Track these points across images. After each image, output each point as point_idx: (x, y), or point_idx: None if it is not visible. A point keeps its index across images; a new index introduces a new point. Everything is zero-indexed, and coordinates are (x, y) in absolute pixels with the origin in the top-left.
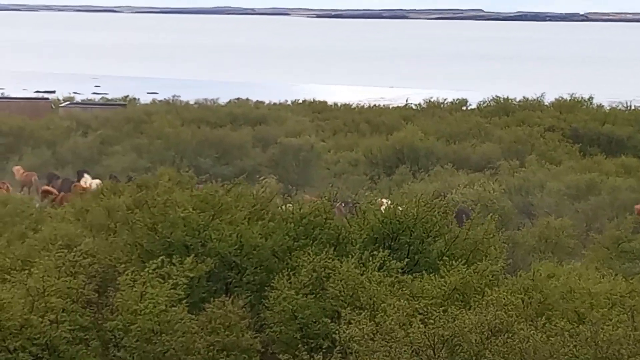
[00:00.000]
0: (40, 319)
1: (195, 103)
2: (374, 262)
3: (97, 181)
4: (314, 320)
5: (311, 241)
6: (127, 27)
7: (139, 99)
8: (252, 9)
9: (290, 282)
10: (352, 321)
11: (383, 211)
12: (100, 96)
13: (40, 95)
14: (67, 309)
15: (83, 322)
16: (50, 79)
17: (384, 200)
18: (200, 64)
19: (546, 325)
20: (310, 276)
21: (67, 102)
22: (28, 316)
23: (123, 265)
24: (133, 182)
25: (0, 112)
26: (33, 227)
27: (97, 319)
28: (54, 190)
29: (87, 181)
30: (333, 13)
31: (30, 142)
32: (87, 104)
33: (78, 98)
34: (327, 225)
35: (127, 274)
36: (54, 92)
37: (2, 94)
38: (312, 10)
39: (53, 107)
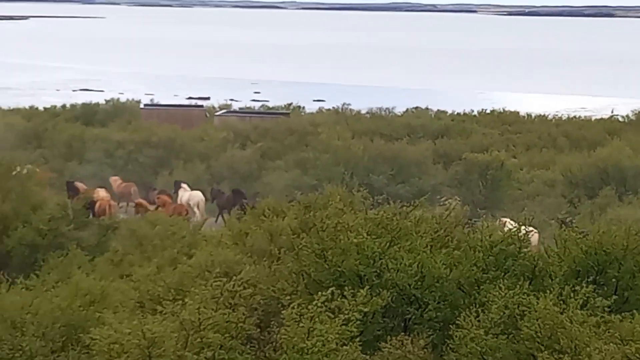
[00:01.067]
0: (196, 356)
1: (368, 112)
2: (576, 299)
3: (197, 194)
4: None
5: (503, 273)
6: (290, 26)
7: (303, 108)
8: (433, 5)
9: (478, 320)
10: None
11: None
12: (260, 104)
13: (193, 102)
14: (226, 346)
15: None
16: (205, 84)
17: (507, 220)
18: (373, 67)
19: None
20: (501, 313)
21: (223, 111)
22: (182, 352)
23: (288, 297)
24: (298, 202)
25: (149, 121)
26: (186, 251)
27: (259, 357)
28: (147, 204)
29: (185, 194)
30: (527, 10)
31: (182, 155)
32: (245, 112)
33: (235, 106)
34: (522, 255)
35: (293, 307)
36: (208, 98)
37: (151, 100)
38: (502, 7)
39: (207, 115)
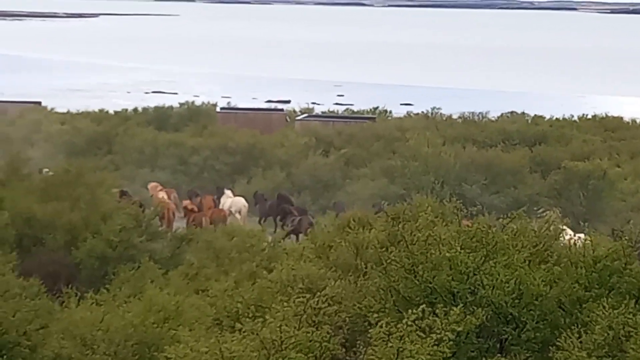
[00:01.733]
0: None
1: (460, 117)
2: None
3: (239, 200)
4: None
5: (607, 291)
6: (376, 24)
7: (390, 112)
8: (530, 3)
9: (580, 341)
10: None
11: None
12: (344, 107)
13: (272, 105)
14: None
15: None
16: (285, 85)
17: (565, 228)
18: (465, 69)
19: None
20: (605, 334)
21: (305, 115)
22: None
23: (375, 315)
24: (385, 213)
25: (226, 125)
26: (265, 265)
27: None
28: (195, 208)
29: (228, 200)
30: (632, 8)
31: (261, 162)
32: (328, 116)
33: (318, 110)
34: (627, 271)
35: (381, 326)
36: (289, 101)
37: (227, 104)
38: (605, 4)
39: (288, 120)
